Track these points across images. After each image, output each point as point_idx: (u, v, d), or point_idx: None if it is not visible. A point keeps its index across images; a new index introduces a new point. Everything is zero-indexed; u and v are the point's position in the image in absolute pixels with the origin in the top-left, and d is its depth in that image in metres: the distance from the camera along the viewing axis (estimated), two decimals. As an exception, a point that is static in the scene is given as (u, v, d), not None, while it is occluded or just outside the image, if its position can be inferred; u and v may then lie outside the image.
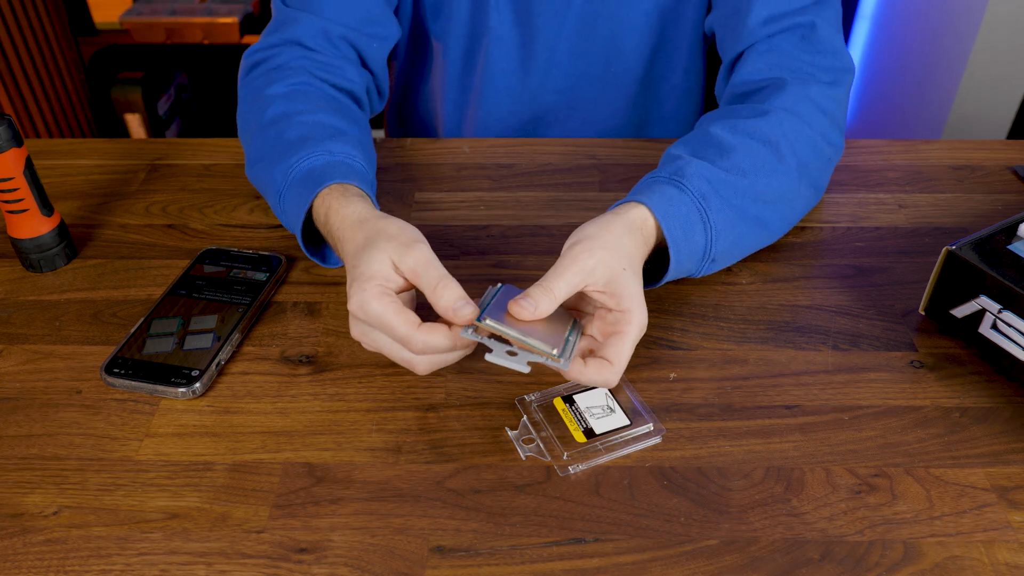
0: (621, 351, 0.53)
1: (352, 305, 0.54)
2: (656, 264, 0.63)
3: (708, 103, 0.98)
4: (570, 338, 0.54)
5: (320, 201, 0.62)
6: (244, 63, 0.77)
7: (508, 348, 0.52)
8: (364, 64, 0.80)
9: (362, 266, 0.55)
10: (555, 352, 0.51)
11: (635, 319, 0.54)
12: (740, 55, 0.75)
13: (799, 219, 0.70)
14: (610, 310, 0.55)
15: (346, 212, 0.60)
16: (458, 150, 0.85)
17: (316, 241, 0.68)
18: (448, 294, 0.52)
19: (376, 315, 0.53)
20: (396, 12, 0.87)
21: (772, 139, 0.65)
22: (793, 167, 0.66)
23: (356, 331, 0.56)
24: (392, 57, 0.97)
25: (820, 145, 0.68)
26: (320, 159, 0.64)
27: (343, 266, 0.66)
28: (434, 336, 0.53)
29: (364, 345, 0.56)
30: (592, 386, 0.56)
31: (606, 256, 0.55)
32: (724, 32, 0.79)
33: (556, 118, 0.93)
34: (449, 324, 0.53)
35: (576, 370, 0.53)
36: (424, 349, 0.53)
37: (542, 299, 0.52)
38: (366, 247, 0.56)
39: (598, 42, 0.87)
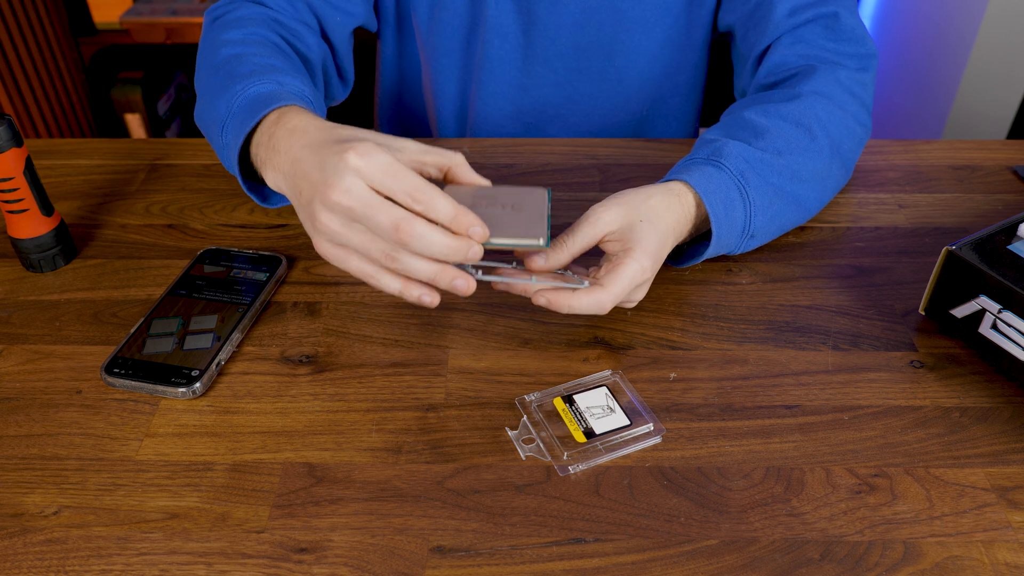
0: (614, 279, 0.56)
1: (344, 180, 0.50)
2: (694, 244, 0.67)
3: (707, 101, 0.98)
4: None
5: (263, 128, 0.60)
6: (205, 20, 0.77)
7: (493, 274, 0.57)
8: (325, 36, 0.80)
9: (337, 132, 0.53)
10: (540, 242, 0.54)
11: (636, 256, 0.57)
12: (767, 49, 0.77)
13: (831, 197, 0.73)
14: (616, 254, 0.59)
15: (295, 123, 0.57)
16: (458, 150, 0.85)
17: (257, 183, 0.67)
18: (468, 215, 0.52)
19: (383, 167, 0.50)
20: (376, 5, 0.88)
21: (804, 121, 0.68)
22: (825, 147, 0.68)
23: (332, 229, 0.52)
24: (380, 57, 0.97)
25: (851, 125, 0.71)
26: (267, 88, 0.63)
27: (288, 205, 0.66)
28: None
29: (335, 260, 0.54)
30: (581, 311, 0.57)
31: (623, 211, 0.59)
32: (747, 28, 0.80)
33: (558, 112, 0.93)
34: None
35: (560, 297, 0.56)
36: (438, 207, 0.51)
37: (553, 252, 0.57)
38: (336, 130, 0.54)
39: (601, 35, 0.87)
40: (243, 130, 0.61)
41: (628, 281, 0.57)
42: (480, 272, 0.56)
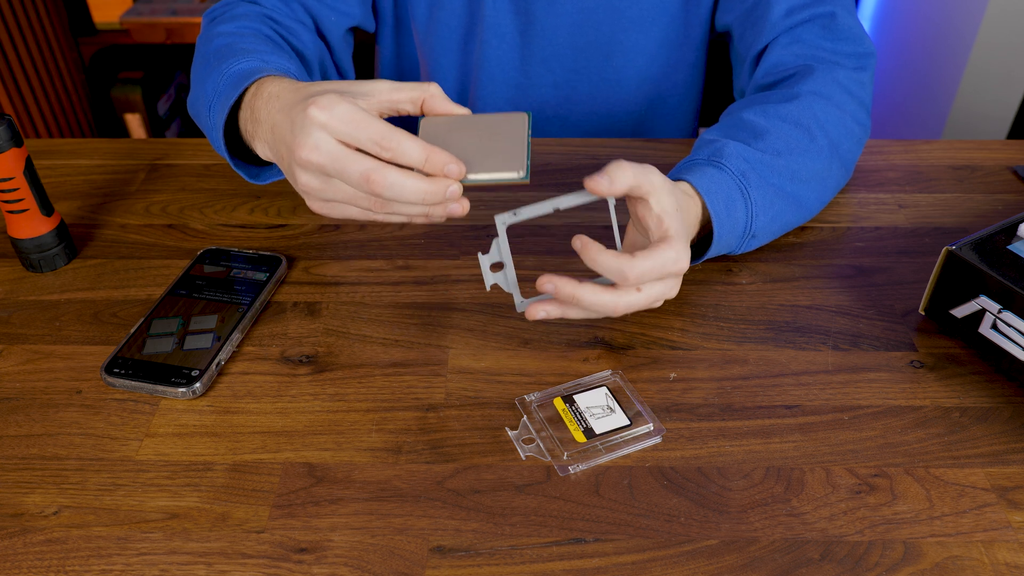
0: (646, 254, 0.52)
1: (311, 137, 0.50)
2: (696, 245, 0.66)
3: (706, 101, 0.99)
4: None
5: (246, 102, 0.60)
6: (203, 22, 0.78)
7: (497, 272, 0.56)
8: (320, 34, 0.80)
9: (306, 90, 0.53)
10: (519, 174, 0.52)
11: (673, 246, 0.53)
12: (764, 49, 0.78)
13: (832, 197, 0.73)
14: (649, 241, 0.56)
15: (270, 90, 0.57)
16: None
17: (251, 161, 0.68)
18: (440, 155, 0.51)
19: (346, 117, 0.50)
20: (374, 5, 0.89)
21: (803, 121, 0.68)
22: (824, 147, 0.68)
23: (313, 187, 0.52)
24: (378, 57, 0.98)
25: (849, 125, 0.71)
26: (250, 64, 0.63)
27: (280, 180, 0.67)
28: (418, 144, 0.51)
29: (331, 213, 0.54)
30: (606, 278, 0.54)
31: (670, 192, 0.55)
32: (745, 28, 0.81)
33: (556, 112, 0.93)
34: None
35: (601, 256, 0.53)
36: (407, 151, 0.51)
37: (614, 171, 0.53)
38: (306, 88, 0.54)
39: (598, 35, 0.87)
40: (227, 105, 0.61)
41: (658, 263, 0.53)
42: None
